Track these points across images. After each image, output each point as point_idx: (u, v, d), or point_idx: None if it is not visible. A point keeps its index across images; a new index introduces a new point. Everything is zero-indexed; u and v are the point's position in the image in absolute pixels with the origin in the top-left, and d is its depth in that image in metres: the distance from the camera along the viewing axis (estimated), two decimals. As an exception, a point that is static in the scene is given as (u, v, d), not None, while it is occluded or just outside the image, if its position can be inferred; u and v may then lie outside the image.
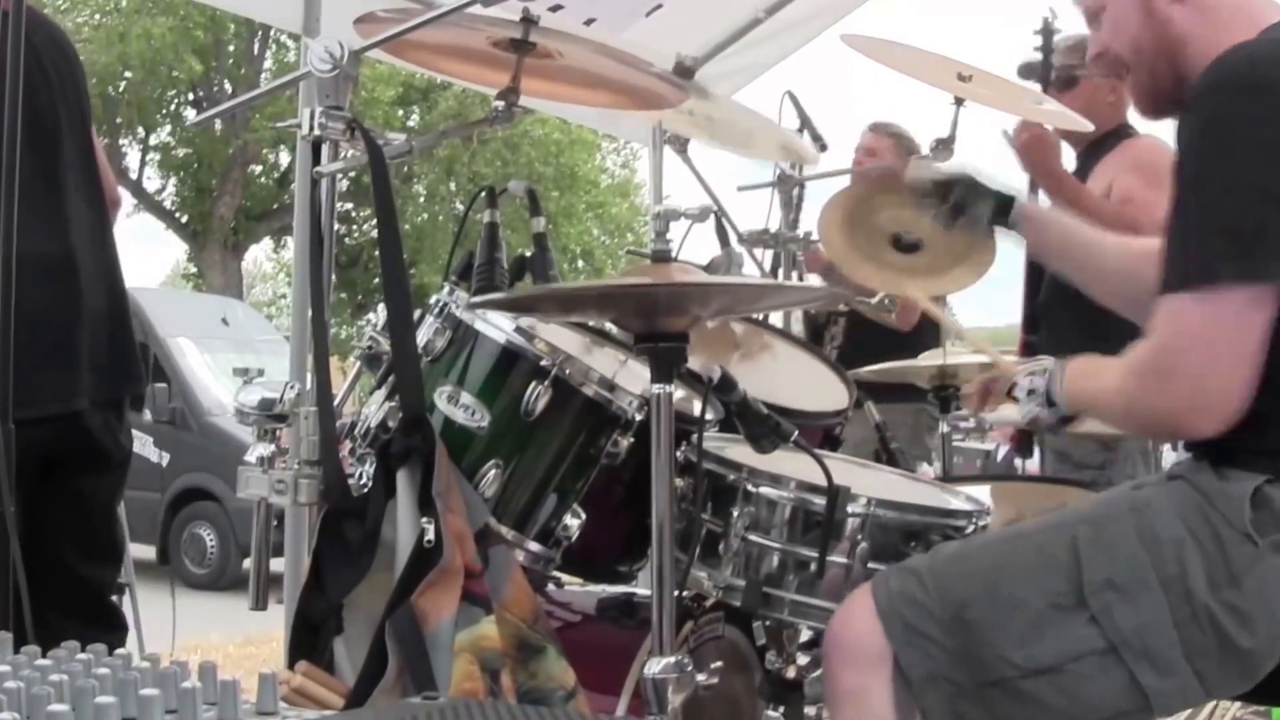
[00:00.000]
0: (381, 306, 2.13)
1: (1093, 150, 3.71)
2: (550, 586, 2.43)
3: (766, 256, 3.56)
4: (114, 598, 2.78)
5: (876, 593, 1.77)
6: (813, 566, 2.05)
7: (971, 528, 2.13)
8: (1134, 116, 3.76)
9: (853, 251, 3.28)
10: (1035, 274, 3.74)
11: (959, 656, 1.71)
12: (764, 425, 2.01)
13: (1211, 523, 1.68)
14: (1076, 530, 1.73)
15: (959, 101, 3.11)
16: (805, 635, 2.31)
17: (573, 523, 2.15)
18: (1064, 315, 3.62)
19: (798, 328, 4.01)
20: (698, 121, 3.18)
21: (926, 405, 4.21)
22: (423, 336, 2.11)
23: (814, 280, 3.95)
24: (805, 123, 3.62)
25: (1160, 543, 1.68)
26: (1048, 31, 3.59)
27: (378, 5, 2.21)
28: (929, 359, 3.37)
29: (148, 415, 10.82)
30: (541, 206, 2.31)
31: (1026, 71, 3.67)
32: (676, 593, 1.86)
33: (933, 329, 4.02)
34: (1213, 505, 1.69)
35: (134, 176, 21.60)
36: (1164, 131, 3.68)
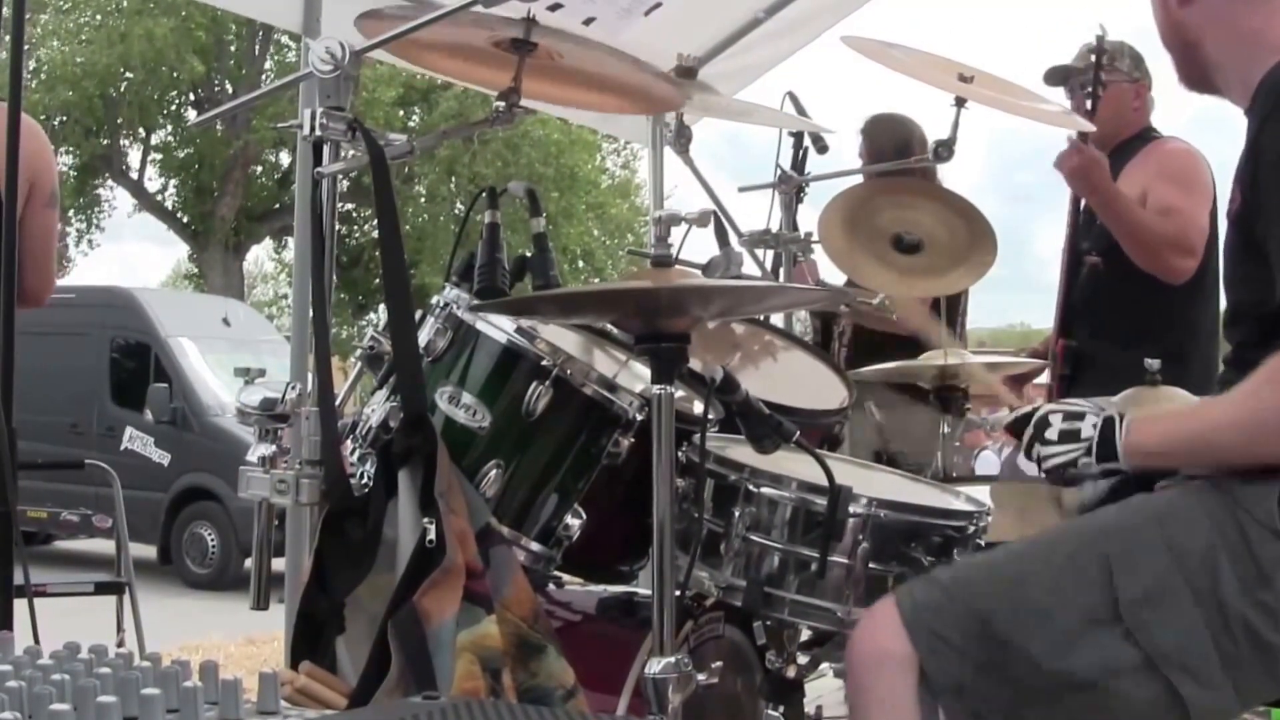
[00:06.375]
0: (383, 307, 2.13)
1: (1119, 153, 3.69)
2: (551, 586, 2.43)
3: (768, 257, 3.55)
4: None
5: (901, 603, 1.75)
6: (814, 566, 2.05)
7: (972, 528, 2.13)
8: (1156, 119, 3.78)
9: (854, 252, 3.28)
10: (1073, 267, 3.64)
11: (986, 668, 1.69)
12: (765, 425, 2.01)
13: (1238, 521, 1.67)
14: (1107, 543, 1.71)
15: (960, 102, 3.11)
16: (806, 635, 2.31)
17: (573, 522, 2.15)
18: (1107, 314, 3.57)
19: (800, 328, 3.99)
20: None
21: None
22: (424, 337, 2.12)
23: None
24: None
25: (1189, 554, 1.67)
26: (1100, 50, 3.53)
27: (378, 5, 2.21)
28: (930, 359, 3.37)
29: (149, 415, 10.85)
30: (541, 207, 2.30)
31: (1052, 77, 3.64)
32: (677, 593, 1.86)
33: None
34: (1239, 504, 1.67)
35: (135, 177, 21.63)
36: (1187, 133, 3.74)
